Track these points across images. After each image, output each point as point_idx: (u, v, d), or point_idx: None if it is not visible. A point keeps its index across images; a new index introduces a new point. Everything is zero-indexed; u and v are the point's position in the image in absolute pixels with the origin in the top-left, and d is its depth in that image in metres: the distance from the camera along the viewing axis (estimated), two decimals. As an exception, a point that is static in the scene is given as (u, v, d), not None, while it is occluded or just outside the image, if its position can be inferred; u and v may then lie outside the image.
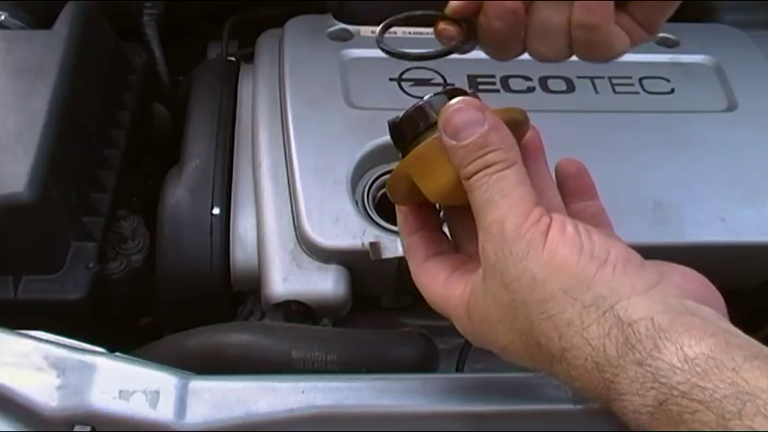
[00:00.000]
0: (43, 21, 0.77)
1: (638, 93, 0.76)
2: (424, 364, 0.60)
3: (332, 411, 0.48)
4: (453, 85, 0.75)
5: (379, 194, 0.69)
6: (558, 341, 0.37)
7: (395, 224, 0.64)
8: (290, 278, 0.63)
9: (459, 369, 0.66)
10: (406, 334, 0.63)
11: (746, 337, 0.36)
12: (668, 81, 0.78)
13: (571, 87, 0.76)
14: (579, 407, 0.49)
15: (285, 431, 0.48)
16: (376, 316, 0.70)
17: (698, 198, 0.67)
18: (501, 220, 0.40)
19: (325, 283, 0.63)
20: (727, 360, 0.33)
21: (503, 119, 0.44)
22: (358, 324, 0.65)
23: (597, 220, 0.48)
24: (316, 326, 0.62)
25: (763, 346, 0.35)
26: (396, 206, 0.50)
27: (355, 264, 0.64)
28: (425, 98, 0.46)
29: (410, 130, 0.46)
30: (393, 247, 0.62)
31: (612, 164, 0.69)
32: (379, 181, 0.69)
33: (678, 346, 0.34)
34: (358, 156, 0.68)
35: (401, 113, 0.46)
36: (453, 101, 0.44)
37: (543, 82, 0.76)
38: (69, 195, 0.66)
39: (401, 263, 0.63)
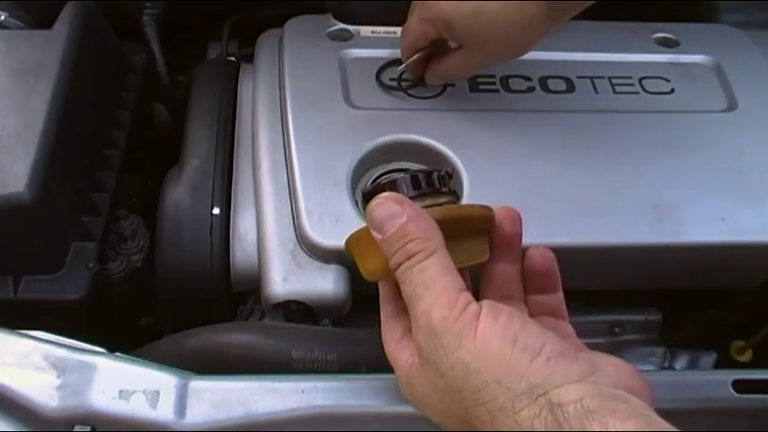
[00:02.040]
0: (43, 21, 0.77)
1: (638, 93, 0.76)
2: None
3: (332, 411, 0.48)
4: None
5: (380, 194, 0.69)
6: (489, 423, 0.39)
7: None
8: (290, 278, 0.63)
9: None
10: (406, 334, 0.63)
11: (663, 421, 0.38)
12: (668, 81, 0.78)
13: (571, 87, 0.76)
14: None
15: (285, 431, 0.48)
16: (376, 316, 0.70)
17: (698, 198, 0.67)
18: (427, 312, 0.41)
19: (325, 283, 0.63)
20: None
21: (439, 216, 0.46)
22: (358, 324, 0.65)
23: (554, 313, 0.50)
24: (316, 326, 0.62)
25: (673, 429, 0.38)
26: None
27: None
28: (396, 176, 0.49)
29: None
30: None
31: (612, 164, 0.69)
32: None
33: (603, 425, 0.36)
34: (358, 156, 0.68)
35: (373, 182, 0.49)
36: (376, 197, 0.46)
37: (543, 82, 0.76)
38: (69, 195, 0.66)
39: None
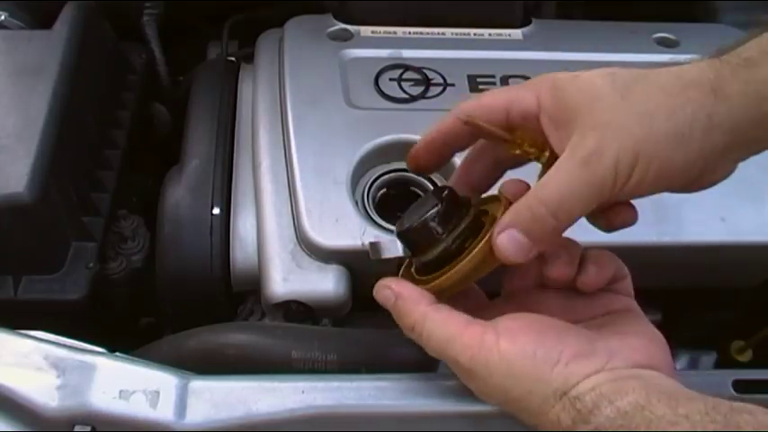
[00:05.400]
0: (43, 21, 0.77)
1: (638, 93, 0.76)
2: (424, 364, 0.60)
3: (332, 411, 0.48)
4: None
5: (379, 194, 0.69)
6: (530, 420, 0.46)
7: (395, 224, 0.64)
8: (290, 278, 0.63)
9: (459, 369, 0.66)
10: (406, 334, 0.63)
11: (670, 386, 0.44)
12: (668, 81, 0.78)
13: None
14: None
15: (285, 431, 0.48)
16: (376, 316, 0.70)
17: (698, 198, 0.66)
18: (454, 361, 0.47)
19: (325, 283, 0.63)
20: (644, 402, 0.42)
21: (434, 290, 0.49)
22: (358, 324, 0.65)
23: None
24: (316, 326, 0.62)
25: (676, 390, 0.44)
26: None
27: (355, 264, 0.64)
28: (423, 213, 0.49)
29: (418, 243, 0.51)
30: (393, 247, 0.61)
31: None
32: (379, 181, 0.69)
33: (613, 403, 0.42)
34: (358, 156, 0.68)
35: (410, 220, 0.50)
36: (376, 285, 0.51)
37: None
38: (69, 195, 0.66)
39: (401, 263, 0.63)
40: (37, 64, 0.69)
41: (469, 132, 0.51)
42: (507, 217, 0.47)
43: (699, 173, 0.46)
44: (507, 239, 0.46)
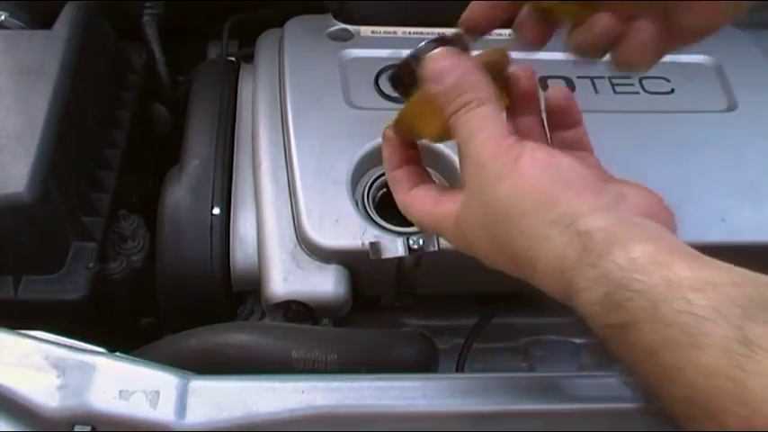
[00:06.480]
0: (43, 21, 0.77)
1: (638, 93, 0.76)
2: (424, 364, 0.60)
3: (332, 411, 0.48)
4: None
5: (380, 194, 0.69)
6: (528, 251, 0.42)
7: (395, 224, 0.64)
8: (290, 278, 0.63)
9: (459, 369, 0.66)
10: (406, 334, 0.63)
11: (682, 244, 0.41)
12: (668, 81, 0.78)
13: (571, 87, 0.76)
14: (580, 407, 0.49)
15: (285, 431, 0.48)
16: (376, 316, 0.70)
17: (698, 198, 0.67)
18: (478, 149, 0.45)
19: (325, 283, 0.63)
20: (661, 257, 0.38)
21: (481, 62, 0.49)
22: (358, 324, 0.65)
23: (580, 146, 0.53)
24: (316, 326, 0.62)
25: (692, 250, 0.41)
26: (382, 144, 0.54)
27: (355, 264, 0.64)
28: (419, 46, 0.50)
29: (407, 77, 0.51)
30: (393, 247, 0.62)
31: (612, 164, 0.68)
32: (379, 181, 0.69)
33: (624, 249, 0.39)
34: (358, 156, 0.68)
35: (399, 61, 0.52)
36: (434, 51, 0.49)
37: (543, 82, 0.76)
38: (69, 195, 0.66)
39: (401, 263, 0.64)
40: (37, 64, 0.69)
41: None
42: None
43: None
44: None
